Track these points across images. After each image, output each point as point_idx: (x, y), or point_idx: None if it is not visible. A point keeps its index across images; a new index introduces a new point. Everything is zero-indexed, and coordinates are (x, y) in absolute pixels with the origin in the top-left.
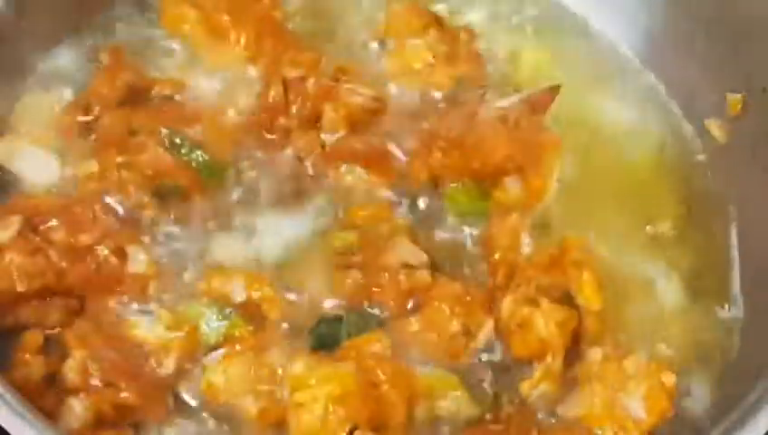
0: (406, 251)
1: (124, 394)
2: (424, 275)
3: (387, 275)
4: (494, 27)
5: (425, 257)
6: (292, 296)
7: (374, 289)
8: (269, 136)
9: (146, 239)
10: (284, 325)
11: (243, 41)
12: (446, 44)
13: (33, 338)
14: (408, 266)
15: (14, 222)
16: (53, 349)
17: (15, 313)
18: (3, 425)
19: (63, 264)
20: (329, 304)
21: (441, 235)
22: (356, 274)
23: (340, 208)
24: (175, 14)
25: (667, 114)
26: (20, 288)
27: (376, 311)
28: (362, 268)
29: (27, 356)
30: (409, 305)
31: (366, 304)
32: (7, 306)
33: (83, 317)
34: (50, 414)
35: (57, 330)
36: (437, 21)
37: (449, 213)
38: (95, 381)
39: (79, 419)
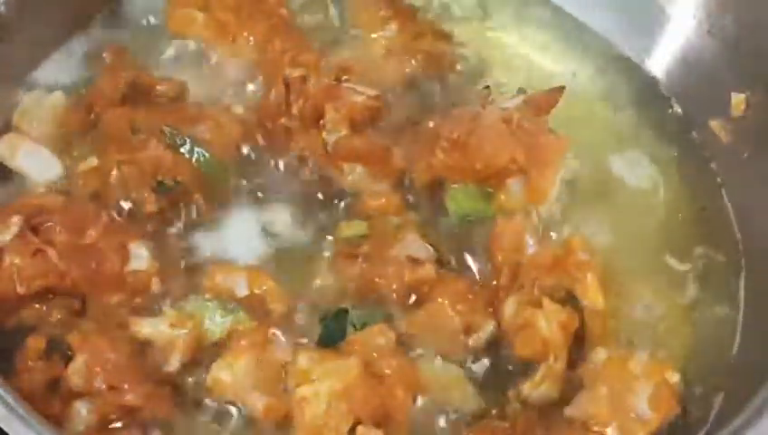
0: (414, 245)
1: (128, 396)
2: (428, 270)
3: (392, 267)
4: (491, 28)
5: (432, 253)
6: (296, 291)
7: (377, 280)
8: (271, 136)
9: (147, 237)
10: (289, 319)
11: (251, 40)
12: (405, 41)
13: (36, 343)
14: (414, 261)
15: (14, 223)
16: (57, 352)
17: (18, 315)
18: (5, 429)
19: (64, 264)
20: (334, 298)
21: (444, 234)
22: (361, 264)
23: (343, 207)
24: (182, 15)
25: (668, 114)
26: (21, 290)
27: (381, 304)
28: (368, 259)
29: (30, 362)
30: (413, 300)
31: (369, 295)
32: (9, 309)
33: (86, 317)
34: (55, 418)
35: (60, 332)
36: (405, 15)
37: (451, 213)
38: (99, 384)
39: (84, 422)
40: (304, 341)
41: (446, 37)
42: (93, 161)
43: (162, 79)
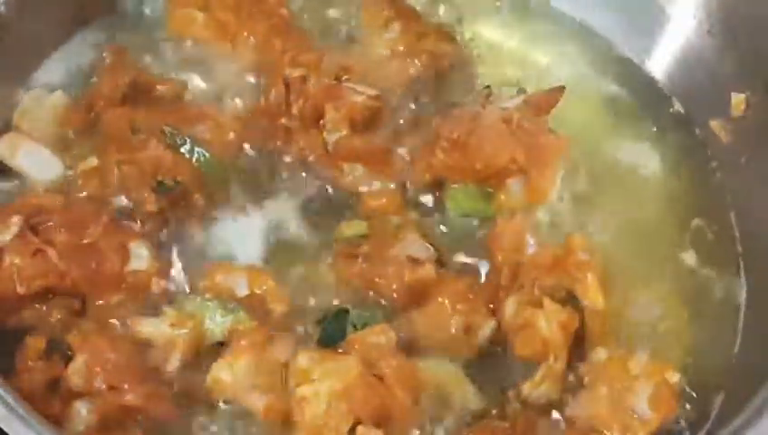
0: (414, 245)
1: (128, 396)
2: (428, 270)
3: (392, 267)
4: (492, 28)
5: (432, 252)
6: (296, 290)
7: (377, 280)
8: (271, 136)
9: (147, 237)
10: (289, 319)
11: (251, 40)
12: (409, 41)
13: (36, 343)
14: (414, 261)
15: (14, 223)
16: (57, 352)
17: (18, 315)
18: (5, 429)
19: (64, 264)
20: (334, 298)
21: (444, 234)
22: (361, 264)
23: (343, 207)
24: (182, 15)
25: (668, 114)
26: (21, 290)
27: (381, 304)
28: (368, 259)
29: (30, 362)
30: (413, 300)
31: (369, 294)
32: (9, 309)
33: (86, 317)
34: (55, 418)
35: (60, 332)
36: (408, 15)
37: (451, 214)
38: (99, 384)
39: (84, 422)
40: (304, 341)
41: (450, 37)
42: (93, 161)
43: (162, 79)
